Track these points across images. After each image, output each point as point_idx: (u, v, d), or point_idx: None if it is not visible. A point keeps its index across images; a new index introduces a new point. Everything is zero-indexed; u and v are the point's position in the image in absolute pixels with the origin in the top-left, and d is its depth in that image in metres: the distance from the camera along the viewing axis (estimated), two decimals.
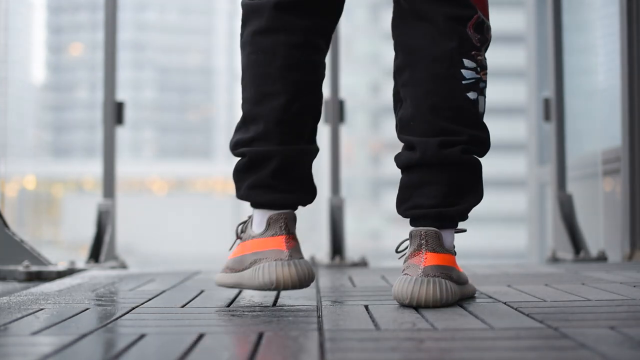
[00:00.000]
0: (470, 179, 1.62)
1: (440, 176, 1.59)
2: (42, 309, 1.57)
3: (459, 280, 1.61)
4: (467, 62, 1.61)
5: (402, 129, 1.65)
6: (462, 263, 2.23)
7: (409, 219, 1.64)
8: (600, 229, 3.67)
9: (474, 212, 1.67)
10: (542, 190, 5.60)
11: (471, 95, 1.61)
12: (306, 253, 3.24)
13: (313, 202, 1.74)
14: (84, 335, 1.25)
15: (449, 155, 1.59)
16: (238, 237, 1.72)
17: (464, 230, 1.65)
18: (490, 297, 1.67)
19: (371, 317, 1.41)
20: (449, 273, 1.55)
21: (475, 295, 1.72)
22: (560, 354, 1.06)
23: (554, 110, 3.56)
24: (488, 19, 1.66)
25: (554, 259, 3.29)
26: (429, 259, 1.54)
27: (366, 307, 1.55)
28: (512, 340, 1.16)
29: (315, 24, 1.69)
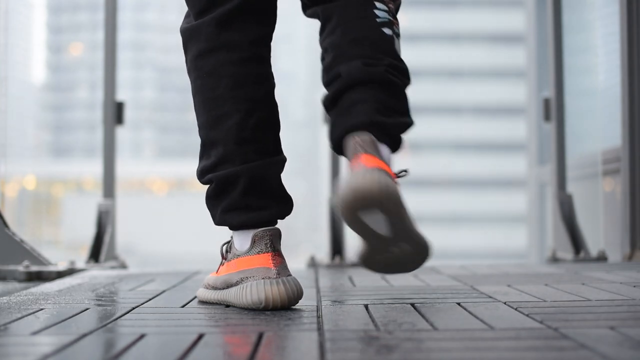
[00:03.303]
0: (398, 100, 1.62)
1: (368, 93, 1.59)
2: (42, 309, 1.57)
3: None
4: (378, 4, 1.67)
5: (327, 73, 1.66)
6: (463, 263, 2.23)
7: (338, 142, 1.60)
8: (600, 229, 3.67)
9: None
10: (542, 190, 5.60)
11: (386, 30, 1.66)
12: (306, 253, 3.25)
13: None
14: (84, 335, 1.25)
15: (374, 72, 1.60)
16: (224, 257, 1.67)
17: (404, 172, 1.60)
18: (490, 297, 1.67)
19: (371, 317, 1.41)
20: None
21: (475, 295, 1.72)
22: (560, 354, 1.06)
23: (554, 110, 3.56)
24: None
25: (554, 259, 3.29)
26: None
27: (366, 307, 1.55)
28: (512, 340, 1.16)
29: (256, 35, 1.67)
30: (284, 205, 1.65)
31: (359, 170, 1.47)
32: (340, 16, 1.67)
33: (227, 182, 1.61)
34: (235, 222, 1.62)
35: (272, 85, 1.69)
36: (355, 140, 1.54)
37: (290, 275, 1.57)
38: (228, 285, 1.62)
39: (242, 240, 1.62)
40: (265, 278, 1.54)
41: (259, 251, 1.57)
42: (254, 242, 1.58)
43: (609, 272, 2.24)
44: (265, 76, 1.67)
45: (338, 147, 1.61)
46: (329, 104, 1.65)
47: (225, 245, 1.68)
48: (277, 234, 1.59)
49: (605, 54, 3.99)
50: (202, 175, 1.67)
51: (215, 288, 1.68)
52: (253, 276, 1.56)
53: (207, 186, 1.67)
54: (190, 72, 1.68)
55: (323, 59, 1.71)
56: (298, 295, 1.56)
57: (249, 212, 1.61)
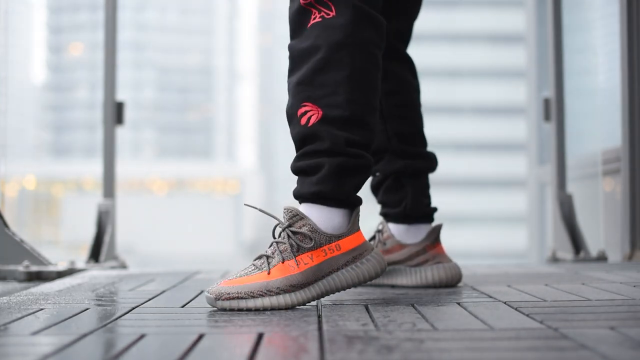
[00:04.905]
0: None
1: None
2: (42, 309, 1.57)
3: None
4: None
5: (406, 140, 2.03)
6: (463, 263, 2.23)
7: (418, 215, 2.02)
8: (600, 229, 3.67)
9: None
10: (542, 190, 5.61)
11: None
12: None
13: None
14: (84, 335, 1.25)
15: None
16: (299, 248, 1.60)
17: None
18: (490, 297, 1.67)
19: (371, 317, 1.41)
20: None
21: (474, 295, 1.73)
22: (560, 355, 1.06)
23: (554, 110, 3.56)
24: None
25: (554, 259, 3.29)
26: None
27: (366, 307, 1.55)
28: (512, 340, 1.16)
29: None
30: None
31: (451, 261, 2.00)
32: (415, 98, 2.09)
33: (369, 166, 1.69)
34: (359, 200, 1.69)
35: None
36: (439, 228, 2.02)
37: None
38: (324, 274, 1.60)
39: (343, 218, 1.64)
40: (373, 250, 1.67)
41: (358, 228, 1.67)
42: (354, 219, 1.66)
43: (609, 272, 2.24)
44: None
45: (422, 213, 2.04)
46: (414, 172, 2.06)
47: (294, 240, 1.60)
48: None
49: (605, 54, 3.99)
50: (349, 145, 1.65)
51: (296, 286, 1.58)
52: (365, 251, 1.64)
53: (342, 158, 1.64)
54: (355, 45, 1.66)
55: (392, 112, 2.05)
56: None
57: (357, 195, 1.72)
